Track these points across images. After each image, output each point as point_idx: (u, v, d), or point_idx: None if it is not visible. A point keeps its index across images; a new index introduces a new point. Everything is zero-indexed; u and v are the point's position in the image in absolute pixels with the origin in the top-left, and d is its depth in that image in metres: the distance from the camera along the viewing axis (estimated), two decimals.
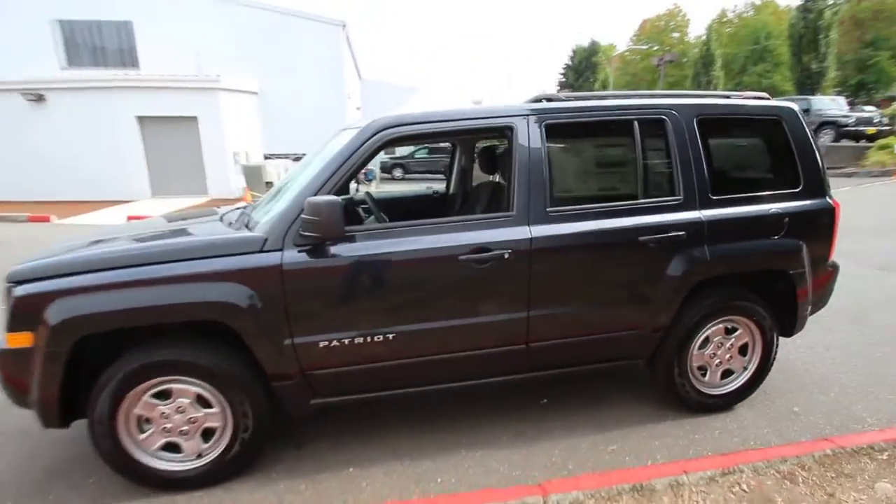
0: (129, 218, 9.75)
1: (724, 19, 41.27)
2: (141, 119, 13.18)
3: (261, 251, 1.96)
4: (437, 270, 2.11)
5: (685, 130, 2.40)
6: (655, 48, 42.40)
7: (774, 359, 2.69)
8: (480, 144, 3.54)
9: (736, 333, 2.62)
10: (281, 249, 1.97)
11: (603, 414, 2.68)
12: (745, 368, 2.68)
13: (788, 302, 2.64)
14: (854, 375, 3.06)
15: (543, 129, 2.24)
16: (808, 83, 24.17)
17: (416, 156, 19.43)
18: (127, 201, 12.54)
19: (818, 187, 2.61)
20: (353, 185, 3.73)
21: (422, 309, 2.14)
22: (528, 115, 2.24)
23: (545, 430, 2.53)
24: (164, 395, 2.02)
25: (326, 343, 2.05)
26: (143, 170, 13.45)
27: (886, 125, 16.06)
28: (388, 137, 2.10)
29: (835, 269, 2.78)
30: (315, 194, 1.99)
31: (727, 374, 2.68)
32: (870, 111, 18.89)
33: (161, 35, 15.83)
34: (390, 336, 2.10)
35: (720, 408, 2.68)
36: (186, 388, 2.01)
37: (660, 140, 2.41)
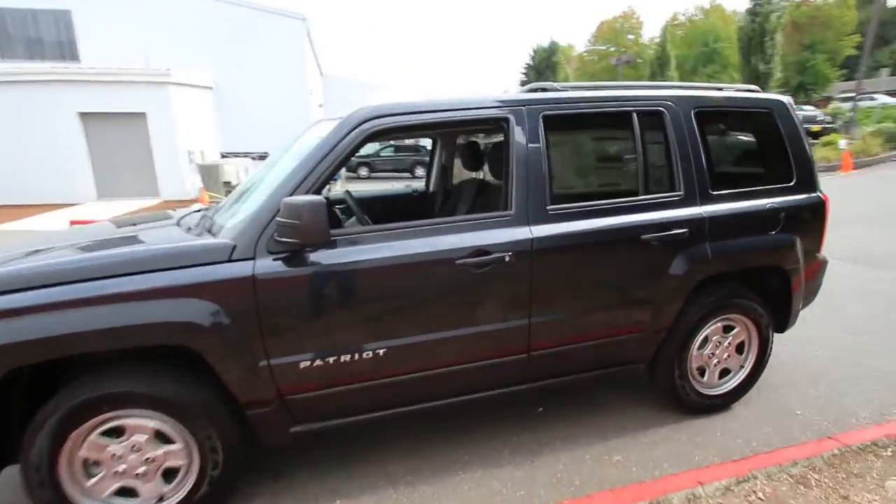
0: (73, 223, 8.96)
1: (676, 22, 42.87)
2: (84, 116, 12.24)
3: (229, 260, 1.70)
4: (432, 276, 1.91)
5: (683, 123, 2.30)
6: (612, 49, 43.55)
7: (769, 355, 2.65)
8: (462, 139, 3.35)
9: (733, 332, 2.55)
10: (253, 258, 1.71)
11: (602, 420, 2.55)
12: (742, 367, 2.62)
13: (783, 298, 2.60)
14: (839, 368, 3.07)
15: (541, 121, 2.07)
16: (756, 84, 25.36)
17: (383, 154, 19.05)
18: (70, 204, 11.60)
19: (810, 181, 2.58)
20: None
21: (415, 320, 1.93)
22: (524, 106, 2.07)
23: (546, 441, 2.38)
24: (115, 433, 1.72)
25: (308, 363, 1.80)
26: (88, 170, 12.50)
27: (829, 123, 17.03)
28: (373, 129, 1.87)
29: (824, 262, 2.77)
30: (292, 194, 1.74)
31: (724, 373, 2.61)
32: (811, 110, 20.04)
33: (104, 26, 14.76)
34: (381, 351, 1.88)
35: (719, 408, 2.61)
36: (143, 423, 1.72)
37: (658, 133, 2.29)
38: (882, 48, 35.11)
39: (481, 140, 3.14)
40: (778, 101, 2.58)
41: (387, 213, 3.29)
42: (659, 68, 31.12)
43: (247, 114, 15.24)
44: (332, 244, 1.78)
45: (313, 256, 1.76)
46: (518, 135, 2.03)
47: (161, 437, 1.76)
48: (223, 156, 13.76)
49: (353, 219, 2.58)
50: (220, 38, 15.08)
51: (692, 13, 42.63)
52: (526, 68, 44.20)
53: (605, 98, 2.21)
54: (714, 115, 2.43)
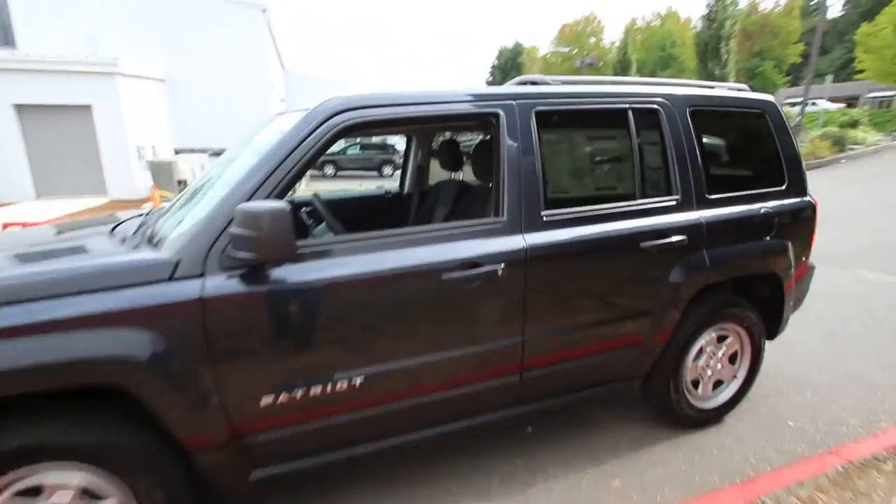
0: (5, 226, 8.14)
1: (635, 27, 44.14)
2: (19, 108, 11.22)
3: (171, 279, 1.40)
4: (415, 294, 1.67)
5: (679, 122, 2.16)
6: (575, 52, 44.38)
7: (761, 364, 2.56)
8: (440, 137, 3.12)
9: (727, 341, 2.44)
10: (201, 275, 1.43)
11: (594, 439, 2.39)
12: (735, 377, 2.53)
13: (774, 305, 2.51)
14: (821, 374, 3.05)
15: (534, 118, 1.87)
16: None
17: (349, 152, 18.55)
18: (4, 204, 10.59)
19: (801, 184, 2.51)
20: None
21: (396, 343, 1.69)
22: (515, 100, 1.86)
23: (537, 467, 2.18)
24: (33, 493, 1.39)
25: (271, 398, 1.53)
26: (24, 167, 11.47)
27: None
28: (344, 124, 1.61)
29: (812, 268, 2.72)
30: (250, 198, 1.47)
31: (717, 384, 2.50)
32: None
33: (44, 12, 13.59)
34: (357, 381, 1.63)
35: (712, 420, 2.51)
36: (66, 480, 1.40)
37: (654, 132, 2.14)
38: (822, 56, 37.34)
39: (458, 137, 2.92)
40: (769, 101, 2.49)
41: (358, 217, 3.03)
42: (621, 71, 31.90)
43: (203, 108, 14.42)
44: (298, 258, 1.51)
45: (277, 272, 1.49)
46: (509, 132, 1.82)
47: (90, 495, 1.44)
48: (177, 152, 12.93)
49: (323, 225, 2.30)
50: (173, 27, 14.19)
51: (650, 19, 43.97)
52: (492, 68, 44.48)
53: (601, 94, 2.04)
54: (708, 115, 2.30)
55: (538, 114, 1.89)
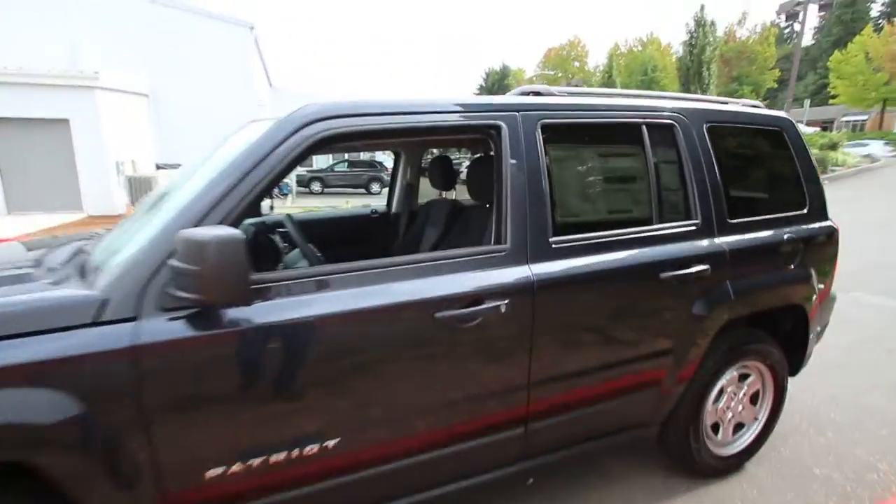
0: None
1: (618, 52, 45.27)
2: None
3: (95, 322, 1.11)
4: (401, 337, 1.40)
5: (696, 139, 1.95)
6: (560, 75, 45.27)
7: (783, 404, 2.33)
8: (430, 154, 2.90)
9: (748, 380, 2.21)
10: (134, 318, 1.14)
11: (605, 494, 2.11)
12: (757, 419, 2.28)
13: (797, 338, 2.30)
14: (839, 409, 2.83)
15: (539, 131, 1.65)
16: None
17: (337, 168, 18.34)
18: None
19: (822, 208, 2.32)
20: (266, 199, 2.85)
21: (377, 397, 1.40)
22: (518, 112, 1.63)
23: None
24: None
25: (221, 469, 1.23)
26: None
27: None
28: (322, 134, 1.35)
29: (834, 297, 2.51)
30: (200, 222, 1.19)
31: (737, 427, 2.26)
32: None
33: (25, 24, 13.28)
34: (330, 443, 1.34)
35: (733, 469, 2.25)
36: None
37: (670, 150, 1.93)
38: (797, 82, 38.67)
39: (449, 153, 2.69)
40: (786, 119, 2.31)
41: (341, 239, 2.76)
42: None
43: (188, 124, 14.11)
44: (257, 295, 1.23)
45: (231, 314, 1.20)
46: (512, 147, 1.59)
47: None
48: (158, 167, 12.57)
49: (297, 251, 2.02)
50: (158, 42, 13.98)
51: (632, 44, 45.14)
52: (479, 89, 45.11)
53: (614, 107, 1.82)
54: (724, 132, 2.11)
55: (544, 127, 1.66)
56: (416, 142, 2.76)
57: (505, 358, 1.55)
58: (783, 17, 21.22)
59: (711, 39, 26.88)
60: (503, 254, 1.53)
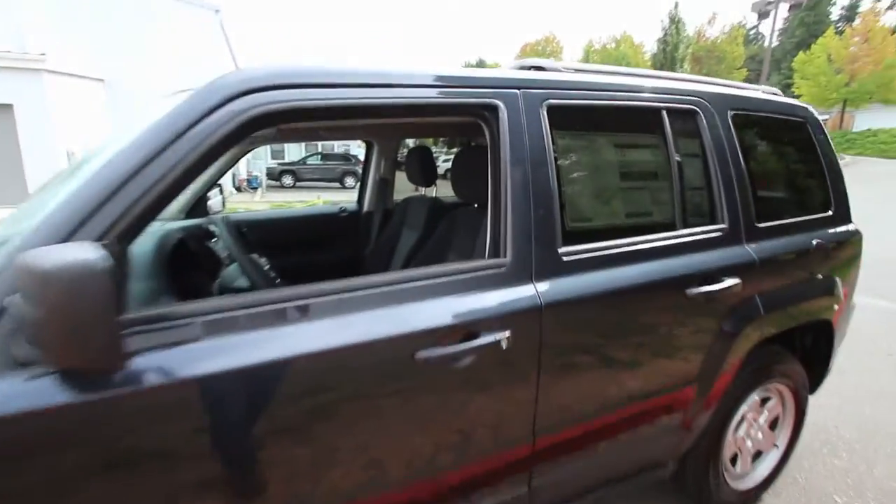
0: None
1: (593, 49, 45.49)
2: None
3: None
4: (370, 389, 1.04)
5: (721, 129, 1.66)
6: None
7: (802, 428, 2.10)
8: (408, 144, 2.54)
9: (769, 405, 1.96)
10: None
11: None
12: (776, 446, 2.04)
13: (819, 354, 2.06)
14: (848, 424, 2.65)
15: (545, 115, 1.31)
16: None
17: (309, 161, 17.68)
18: None
19: (846, 210, 2.08)
20: (227, 195, 2.41)
21: (340, 466, 1.05)
22: (520, 89, 1.29)
23: None
24: None
25: None
26: None
27: None
28: (260, 109, 0.96)
29: (853, 307, 2.29)
30: (68, 237, 0.80)
31: (755, 456, 2.01)
32: None
33: None
34: None
35: (751, 502, 2.00)
36: None
37: (692, 141, 1.63)
38: (762, 82, 39.76)
39: (427, 144, 2.34)
40: (809, 109, 2.06)
41: (305, 243, 2.38)
42: None
43: (146, 110, 13.24)
44: (138, 346, 0.84)
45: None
46: (512, 133, 1.25)
47: None
48: None
49: (235, 266, 1.59)
50: (113, 25, 13.01)
51: (606, 41, 45.43)
52: None
53: (631, 87, 1.50)
54: (749, 122, 1.83)
55: (551, 109, 1.33)
56: (390, 127, 2.36)
57: (505, 402, 1.22)
58: (753, 17, 21.64)
59: (684, 37, 27.25)
60: (502, 270, 1.19)
